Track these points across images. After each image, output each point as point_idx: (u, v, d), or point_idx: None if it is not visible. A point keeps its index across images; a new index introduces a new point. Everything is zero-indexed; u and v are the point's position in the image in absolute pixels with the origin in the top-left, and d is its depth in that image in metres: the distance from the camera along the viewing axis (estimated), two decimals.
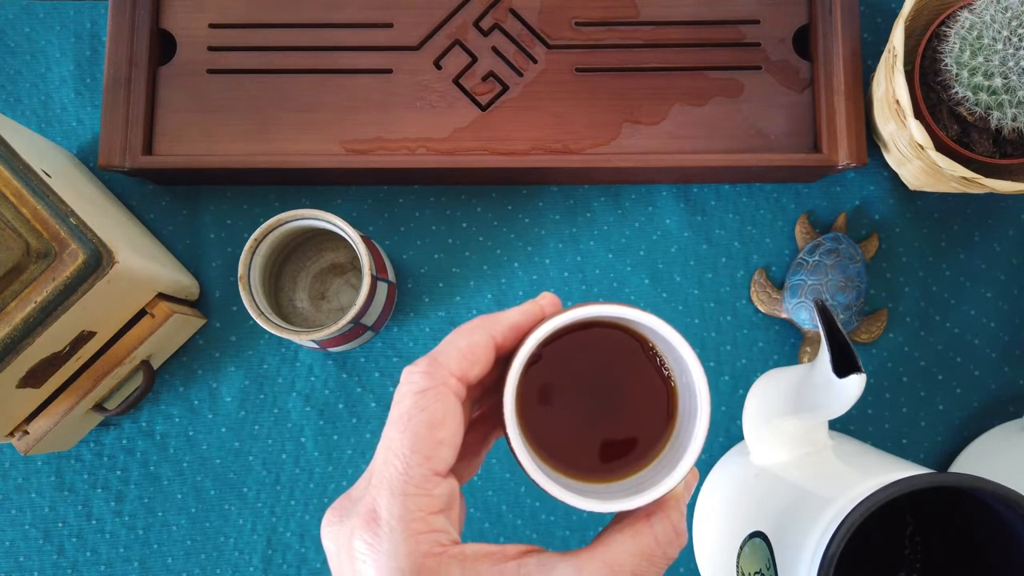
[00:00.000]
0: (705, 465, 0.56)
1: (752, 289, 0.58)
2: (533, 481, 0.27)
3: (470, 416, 0.30)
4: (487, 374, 0.29)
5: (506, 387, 0.27)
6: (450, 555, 0.25)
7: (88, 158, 0.60)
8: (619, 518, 0.29)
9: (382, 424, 0.57)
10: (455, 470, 0.28)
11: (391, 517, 0.25)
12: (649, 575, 0.27)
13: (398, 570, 0.25)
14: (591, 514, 0.57)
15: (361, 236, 0.51)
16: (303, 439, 0.57)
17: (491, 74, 0.56)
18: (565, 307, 0.29)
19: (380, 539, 0.25)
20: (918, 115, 0.49)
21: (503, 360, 0.29)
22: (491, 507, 0.57)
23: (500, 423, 0.28)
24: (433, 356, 0.28)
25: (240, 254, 0.50)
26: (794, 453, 0.46)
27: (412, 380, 0.27)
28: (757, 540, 0.43)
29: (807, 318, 0.56)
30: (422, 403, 0.27)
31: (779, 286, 0.58)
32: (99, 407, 0.55)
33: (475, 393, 0.30)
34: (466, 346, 0.28)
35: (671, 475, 0.27)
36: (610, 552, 0.27)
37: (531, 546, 0.27)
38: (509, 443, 0.27)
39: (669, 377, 0.30)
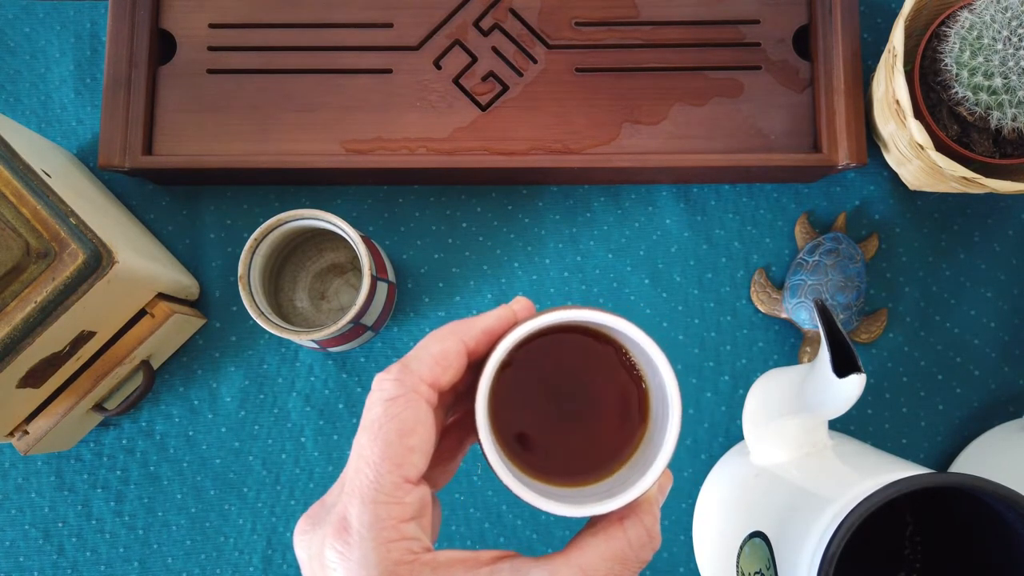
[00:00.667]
0: (705, 465, 0.56)
1: (752, 289, 0.58)
2: (506, 487, 0.27)
3: (443, 422, 0.30)
4: (460, 379, 0.29)
5: (478, 393, 0.27)
6: (422, 562, 0.25)
7: (88, 158, 0.60)
8: (593, 522, 0.29)
9: None
10: (429, 476, 0.28)
11: (361, 526, 0.25)
12: None
13: None
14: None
15: (361, 236, 0.51)
16: (303, 439, 0.57)
17: (491, 74, 0.56)
18: (540, 311, 0.29)
19: (351, 548, 0.25)
20: (918, 115, 0.49)
21: (476, 365, 0.29)
22: (491, 507, 0.57)
23: (474, 428, 0.28)
24: (404, 363, 0.28)
25: (240, 254, 0.50)
26: (794, 453, 0.46)
27: (383, 387, 0.27)
28: (757, 540, 0.43)
29: (807, 318, 0.56)
30: (392, 410, 0.27)
31: (779, 286, 0.58)
32: (99, 407, 0.55)
33: (448, 399, 0.30)
34: (438, 352, 0.28)
35: (643, 478, 0.27)
36: (584, 556, 0.27)
37: (505, 551, 0.27)
38: (482, 449, 0.27)
39: (641, 380, 0.31)
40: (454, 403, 0.31)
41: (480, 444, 0.28)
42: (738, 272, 0.58)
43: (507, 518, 0.57)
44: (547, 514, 0.57)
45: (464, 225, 0.59)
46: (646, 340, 0.28)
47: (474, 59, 0.56)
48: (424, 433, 0.27)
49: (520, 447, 0.30)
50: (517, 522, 0.57)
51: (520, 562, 0.26)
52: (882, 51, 0.57)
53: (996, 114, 0.47)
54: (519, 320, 0.29)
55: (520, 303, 0.30)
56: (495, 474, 0.27)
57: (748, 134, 0.55)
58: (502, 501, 0.57)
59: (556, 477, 0.30)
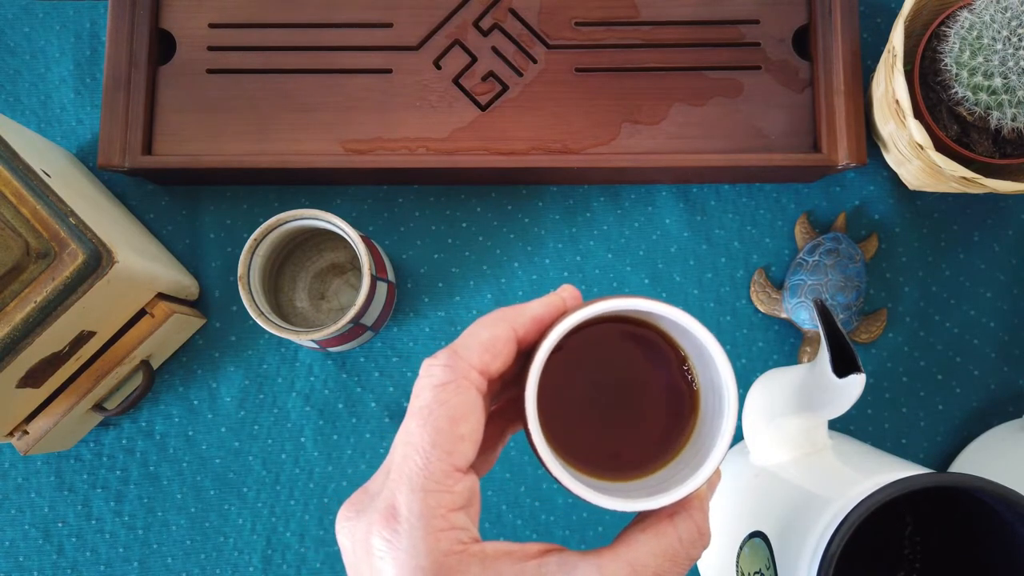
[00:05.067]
0: None
1: (752, 289, 0.58)
2: (556, 479, 0.27)
3: (489, 410, 0.30)
4: (507, 368, 0.28)
5: (528, 381, 0.27)
6: (470, 553, 0.25)
7: (88, 158, 0.60)
8: (640, 517, 0.28)
9: (382, 424, 0.58)
10: (472, 465, 0.28)
11: (411, 514, 0.25)
12: (671, 575, 0.27)
13: (419, 568, 0.24)
14: (590, 515, 0.57)
15: (361, 236, 0.51)
16: (303, 439, 0.57)
17: (491, 74, 0.56)
18: (587, 300, 0.28)
19: (400, 536, 0.25)
20: (918, 115, 0.49)
21: (523, 353, 0.29)
22: (491, 507, 0.57)
23: (519, 418, 0.27)
24: (453, 348, 0.27)
25: (240, 254, 0.50)
26: (794, 453, 0.46)
27: (432, 373, 0.27)
28: (757, 540, 0.42)
29: (807, 318, 0.55)
30: (442, 397, 0.26)
31: (779, 286, 0.58)
32: (99, 407, 0.55)
33: (495, 387, 0.29)
34: (488, 339, 0.27)
35: (696, 474, 0.27)
36: (632, 552, 0.26)
37: (551, 544, 0.27)
38: (530, 439, 0.27)
39: (691, 373, 0.30)
40: (499, 391, 0.31)
41: (528, 434, 0.27)
42: (738, 272, 0.58)
43: (507, 518, 0.57)
44: (547, 514, 0.57)
45: (464, 225, 0.59)
46: (700, 329, 0.27)
47: (474, 59, 0.56)
48: (474, 421, 0.26)
49: (567, 439, 0.29)
50: (517, 522, 0.57)
51: (567, 556, 0.26)
52: (882, 51, 0.57)
53: (996, 114, 0.47)
54: (568, 308, 0.28)
55: (568, 291, 0.29)
56: (544, 466, 0.27)
57: (748, 134, 0.55)
58: (502, 501, 0.57)
59: (602, 470, 0.29)
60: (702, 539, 0.27)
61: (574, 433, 0.30)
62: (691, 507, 0.27)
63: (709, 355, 0.27)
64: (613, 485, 0.29)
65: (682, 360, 0.30)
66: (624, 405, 0.31)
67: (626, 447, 0.30)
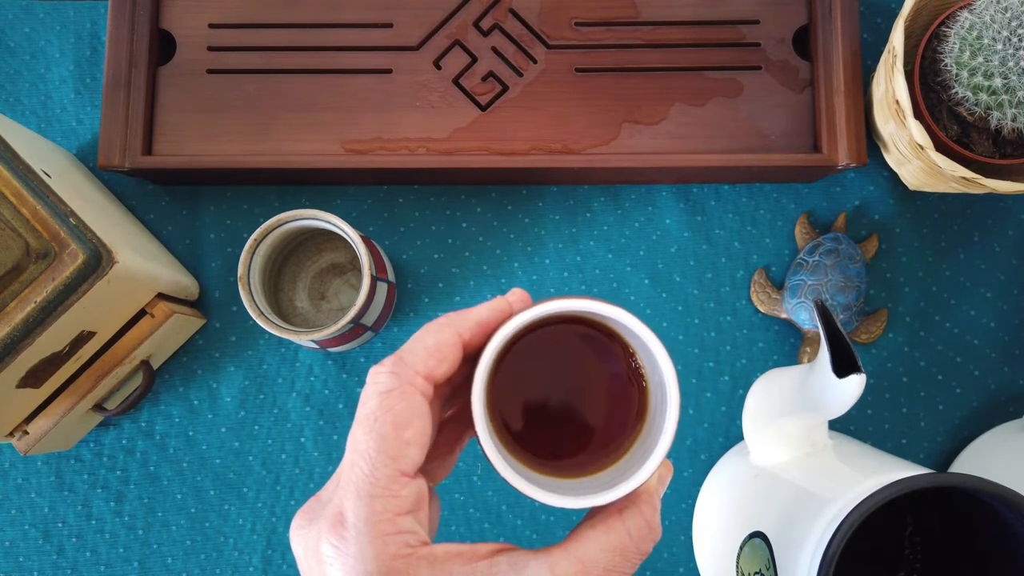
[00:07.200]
0: (705, 465, 0.56)
1: (752, 289, 0.58)
2: (503, 479, 0.27)
3: (440, 415, 0.30)
4: (456, 372, 0.28)
5: (474, 385, 0.27)
6: (419, 556, 0.25)
7: (88, 158, 0.60)
8: (592, 514, 0.28)
9: None
10: (428, 470, 0.28)
11: (357, 520, 0.25)
12: (622, 570, 0.27)
13: (365, 573, 0.25)
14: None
15: (361, 236, 0.51)
16: (303, 439, 0.57)
17: (491, 74, 0.56)
18: (536, 301, 0.29)
19: (347, 542, 0.25)
20: (918, 115, 0.49)
21: (472, 357, 0.29)
22: (491, 507, 0.57)
23: (472, 421, 0.28)
24: (399, 355, 0.27)
25: (240, 254, 0.50)
26: (794, 453, 0.46)
27: (377, 380, 0.27)
28: (757, 540, 0.43)
29: (807, 318, 0.56)
30: (387, 403, 0.26)
31: (779, 286, 0.58)
32: (99, 407, 0.55)
33: (444, 391, 0.30)
34: (432, 344, 0.28)
35: (642, 469, 0.27)
36: (582, 548, 0.27)
37: (502, 544, 0.27)
38: (479, 441, 0.27)
39: (640, 371, 0.30)
40: (451, 396, 0.31)
41: (477, 437, 0.27)
42: (738, 272, 0.58)
43: (507, 518, 0.57)
44: (547, 513, 0.57)
45: (464, 225, 0.59)
46: (643, 329, 0.27)
47: (474, 59, 0.56)
48: (420, 426, 0.27)
49: (518, 439, 0.30)
50: (517, 522, 0.57)
51: (518, 555, 0.26)
52: (882, 51, 0.57)
53: (996, 114, 0.47)
54: (515, 311, 0.29)
55: (516, 294, 0.30)
56: (492, 466, 0.27)
57: (748, 134, 0.55)
58: (502, 501, 0.57)
59: (555, 469, 0.30)
60: (651, 534, 0.27)
61: (528, 433, 0.30)
62: (640, 502, 0.28)
63: (652, 353, 0.28)
64: (568, 483, 0.29)
65: (631, 358, 0.30)
66: (577, 404, 0.31)
67: (579, 444, 0.31)
